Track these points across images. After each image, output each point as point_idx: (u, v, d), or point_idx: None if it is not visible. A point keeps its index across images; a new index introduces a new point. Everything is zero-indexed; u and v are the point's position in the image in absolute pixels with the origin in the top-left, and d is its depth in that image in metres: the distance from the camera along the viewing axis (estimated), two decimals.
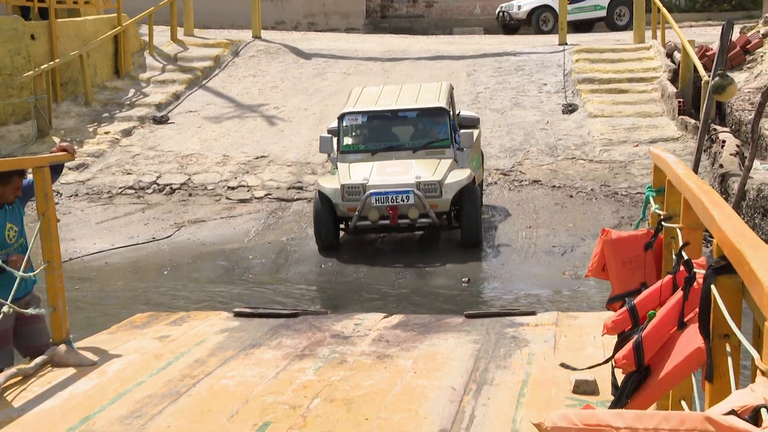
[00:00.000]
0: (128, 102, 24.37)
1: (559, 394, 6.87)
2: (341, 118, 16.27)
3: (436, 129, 16.30)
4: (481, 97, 23.30)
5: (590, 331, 8.40)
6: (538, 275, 14.31)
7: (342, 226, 15.70)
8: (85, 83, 23.91)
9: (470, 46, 28.32)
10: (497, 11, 35.14)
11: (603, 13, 33.30)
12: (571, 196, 18.41)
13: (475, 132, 17.08)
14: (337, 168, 15.97)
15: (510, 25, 33.93)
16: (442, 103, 16.35)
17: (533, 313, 9.46)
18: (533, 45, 27.63)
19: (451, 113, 16.62)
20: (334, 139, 16.02)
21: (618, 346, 4.39)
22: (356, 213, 14.67)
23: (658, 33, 26.23)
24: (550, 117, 22.11)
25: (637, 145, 19.99)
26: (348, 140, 16.39)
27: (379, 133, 16.57)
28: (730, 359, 3.71)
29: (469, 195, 14.89)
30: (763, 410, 2.46)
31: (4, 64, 22.18)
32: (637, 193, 17.08)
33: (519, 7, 33.20)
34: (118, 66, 25.91)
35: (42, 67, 22.57)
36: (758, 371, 2.79)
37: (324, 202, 14.98)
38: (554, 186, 18.95)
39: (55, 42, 23.74)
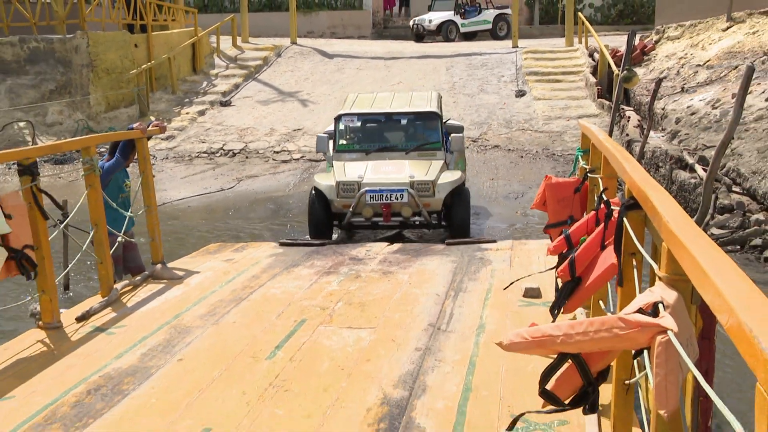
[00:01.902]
0: (202, 91, 24.39)
1: (513, 297, 6.92)
2: (338, 119, 12.90)
3: (428, 132, 12.76)
4: (456, 85, 23.34)
5: (535, 253, 8.50)
6: (498, 213, 14.39)
7: (336, 223, 12.29)
8: (172, 78, 23.95)
9: (448, 49, 28.24)
10: (411, 23, 34.11)
11: (489, 26, 32.99)
12: (522, 157, 18.52)
13: (459, 138, 13.46)
14: (332, 166, 12.66)
15: (421, 34, 33.01)
16: (435, 108, 12.99)
17: (494, 241, 9.74)
18: (493, 48, 27.58)
19: (442, 121, 13.08)
20: (330, 140, 12.82)
21: (558, 263, 4.39)
22: (350, 209, 11.44)
23: (583, 39, 26.27)
24: (507, 100, 22.12)
25: (568, 120, 20.05)
26: (343, 141, 12.87)
27: (374, 134, 13.08)
28: (635, 270, 3.71)
29: (460, 196, 11.73)
30: (660, 305, 2.46)
31: (116, 66, 22.21)
32: (569, 154, 17.24)
33: (430, 21, 32.57)
34: (195, 65, 25.94)
35: (142, 66, 22.83)
36: (656, 278, 2.79)
37: (319, 198, 11.78)
38: (509, 149, 19.03)
39: (151, 49, 23.73)
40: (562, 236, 4.54)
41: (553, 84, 22.97)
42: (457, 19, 31.74)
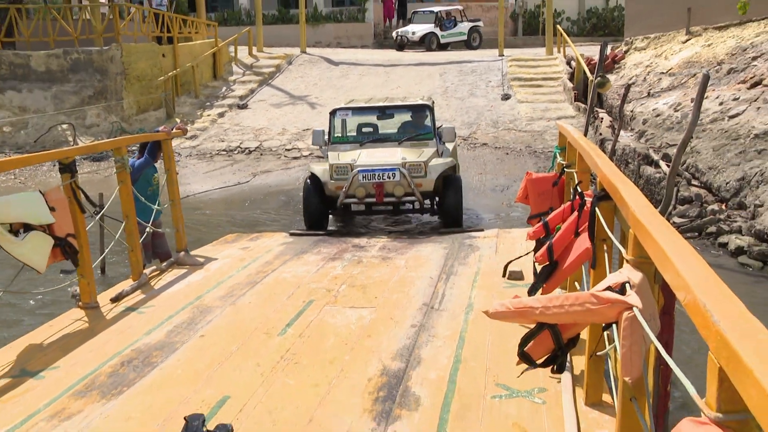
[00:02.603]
0: (221, 95, 24.24)
1: (498, 280, 6.93)
2: (333, 113, 11.87)
3: (420, 123, 11.68)
4: (448, 89, 23.17)
5: (518, 241, 8.49)
6: (486, 205, 14.30)
7: (331, 212, 11.38)
8: (195, 84, 23.79)
9: (441, 57, 28.14)
10: (394, 35, 33.39)
11: (465, 38, 32.53)
12: (507, 154, 18.39)
13: (451, 144, 12.29)
14: (327, 157, 11.59)
15: (403, 44, 32.28)
16: (428, 101, 12.01)
17: (482, 230, 9.74)
18: (482, 56, 27.43)
19: (434, 114, 11.83)
20: (326, 133, 11.65)
21: (536, 248, 4.40)
22: (343, 190, 10.37)
23: (561, 49, 26.08)
24: (494, 102, 21.97)
25: (548, 121, 19.92)
26: (338, 133, 11.91)
27: (368, 127, 12.17)
28: (606, 255, 3.72)
29: (452, 183, 10.68)
30: (627, 285, 2.47)
31: (146, 73, 22.14)
32: (549, 151, 17.09)
33: (413, 32, 31.90)
34: (215, 72, 25.79)
35: (169, 74, 22.68)
36: (624, 261, 2.80)
37: (314, 184, 10.73)
38: (496, 147, 18.90)
39: (177, 58, 23.59)
40: (540, 223, 4.55)
41: (534, 89, 22.80)
42: (437, 31, 31.52)
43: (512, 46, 31.04)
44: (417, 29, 31.27)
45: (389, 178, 10.20)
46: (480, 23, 33.37)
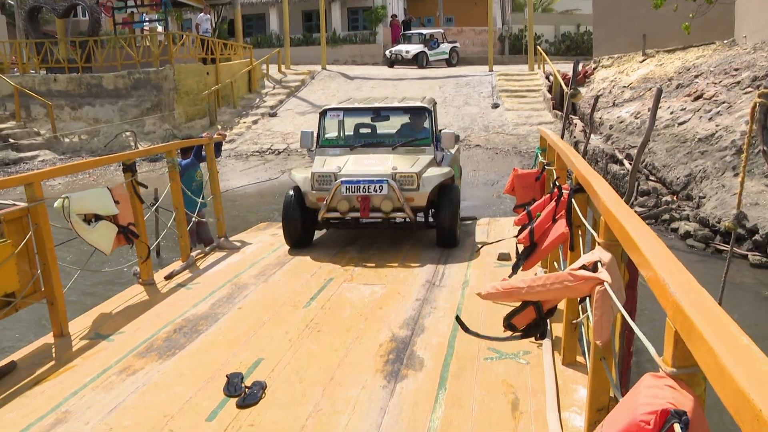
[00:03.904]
0: (255, 105, 24.19)
1: (490, 260, 6.91)
2: (323, 114, 8.94)
3: (416, 128, 8.79)
4: (447, 99, 23.05)
5: (506, 227, 8.43)
6: (479, 196, 14.27)
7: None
8: (233, 96, 23.76)
9: (441, 72, 28.03)
10: (387, 53, 31.86)
11: (447, 56, 31.71)
12: (497, 153, 18.34)
13: (453, 151, 9.46)
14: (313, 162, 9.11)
15: (393, 62, 30.99)
16: (426, 104, 8.92)
17: (476, 218, 9.52)
18: (475, 71, 27.32)
19: (434, 116, 8.97)
20: (314, 134, 8.78)
21: (520, 232, 4.38)
22: (325, 203, 7.60)
23: (541, 66, 25.88)
24: (485, 110, 21.87)
25: (531, 126, 19.84)
26: (327, 136, 8.98)
27: (359, 129, 9.19)
28: (581, 238, 3.70)
29: (448, 193, 7.90)
30: (598, 263, 2.46)
31: (193, 88, 22.16)
32: (532, 151, 17.01)
33: (407, 51, 30.75)
34: (250, 86, 25.75)
35: (212, 89, 22.64)
36: (596, 243, 2.79)
37: (297, 195, 7.98)
38: (487, 148, 18.85)
39: (218, 75, 23.53)
40: (524, 212, 4.53)
41: (519, 99, 22.70)
42: (427, 51, 31.09)
43: (500, 63, 30.90)
44: (410, 48, 30.74)
45: (376, 191, 7.43)
46: (457, 44, 33.00)
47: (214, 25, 27.59)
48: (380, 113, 9.03)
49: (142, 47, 22.87)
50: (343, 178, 7.47)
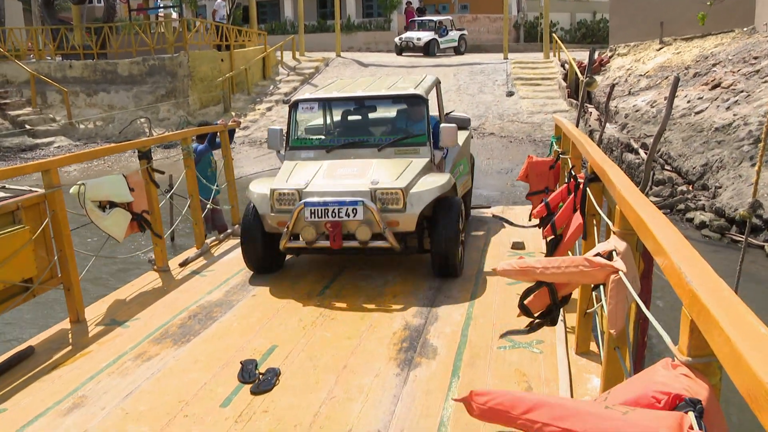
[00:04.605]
0: (269, 92, 24.17)
1: (503, 249, 6.87)
2: (293, 106, 7.02)
3: (409, 122, 6.95)
4: (461, 87, 22.91)
5: (520, 216, 8.35)
6: (492, 185, 14.21)
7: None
8: (247, 83, 23.80)
9: (455, 59, 27.85)
10: (397, 41, 30.88)
11: (455, 44, 31.14)
12: (511, 142, 18.24)
13: (464, 133, 8.19)
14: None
15: (409, 50, 30.12)
16: (420, 90, 6.88)
17: (489, 206, 9.42)
18: (489, 59, 27.16)
19: (435, 106, 7.64)
20: (284, 132, 6.96)
21: (542, 225, 4.36)
22: (286, 229, 5.85)
23: (556, 54, 25.70)
24: (500, 98, 21.74)
25: (546, 114, 19.72)
26: (299, 134, 7.04)
27: (338, 126, 7.36)
28: (595, 228, 3.69)
29: (447, 210, 6.01)
30: (613, 252, 2.46)
31: (207, 75, 22.18)
32: (546, 140, 16.93)
33: (419, 39, 29.91)
34: (264, 73, 25.73)
35: (226, 75, 22.67)
36: (611, 232, 2.78)
37: (256, 211, 6.22)
38: (502, 136, 18.75)
39: (233, 62, 23.54)
40: (542, 204, 4.50)
41: (534, 87, 22.56)
42: (438, 38, 30.65)
43: (515, 51, 30.73)
44: (422, 36, 30.13)
45: (349, 215, 5.61)
46: (465, 32, 32.58)
47: (228, 11, 27.58)
48: (364, 103, 7.13)
49: (157, 34, 22.95)
50: (308, 199, 5.67)
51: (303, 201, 5.66)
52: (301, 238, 5.74)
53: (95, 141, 20.28)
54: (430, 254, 5.90)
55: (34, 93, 21.68)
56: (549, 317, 2.82)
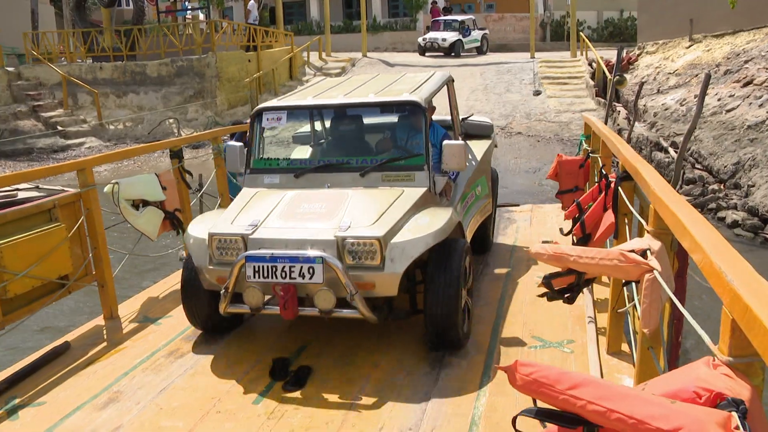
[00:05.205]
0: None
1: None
2: (257, 116, 5.19)
3: (402, 138, 5.15)
4: (488, 86, 22.84)
5: (549, 215, 8.32)
6: (520, 183, 14.12)
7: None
8: (274, 83, 23.89)
9: (481, 59, 27.80)
10: (421, 41, 30.34)
11: (478, 44, 30.82)
12: (539, 141, 18.15)
13: (483, 144, 6.53)
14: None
15: (433, 50, 29.64)
16: (417, 96, 4.90)
17: (518, 205, 9.34)
18: (516, 58, 27.06)
19: (452, 95, 5.90)
20: (244, 151, 5.12)
21: (573, 225, 4.34)
22: (224, 288, 4.15)
23: (583, 53, 25.55)
24: (527, 97, 21.65)
25: (573, 113, 19.61)
26: (262, 153, 5.23)
27: (312, 142, 6.01)
28: (627, 227, 3.67)
29: (446, 257, 4.17)
30: (647, 251, 2.44)
31: (235, 76, 22.35)
32: (575, 139, 16.84)
33: (444, 40, 29.36)
34: (291, 73, 25.88)
35: (253, 76, 22.81)
36: (645, 231, 2.77)
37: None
38: (529, 135, 18.67)
39: (260, 63, 23.71)
40: (574, 204, 4.48)
41: (561, 86, 22.44)
42: (462, 38, 30.33)
43: (541, 50, 30.55)
44: (446, 36, 29.76)
45: (304, 276, 4.00)
46: (487, 31, 32.27)
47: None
48: (346, 113, 5.46)
49: (185, 35, 23.19)
50: (251, 252, 4.06)
51: (245, 254, 4.05)
52: (245, 301, 4.14)
53: (125, 141, 20.54)
54: (424, 319, 4.23)
55: (65, 95, 22.01)
56: (568, 294, 2.81)
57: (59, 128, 20.57)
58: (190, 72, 21.72)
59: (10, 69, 22.45)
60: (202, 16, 29.89)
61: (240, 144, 5.14)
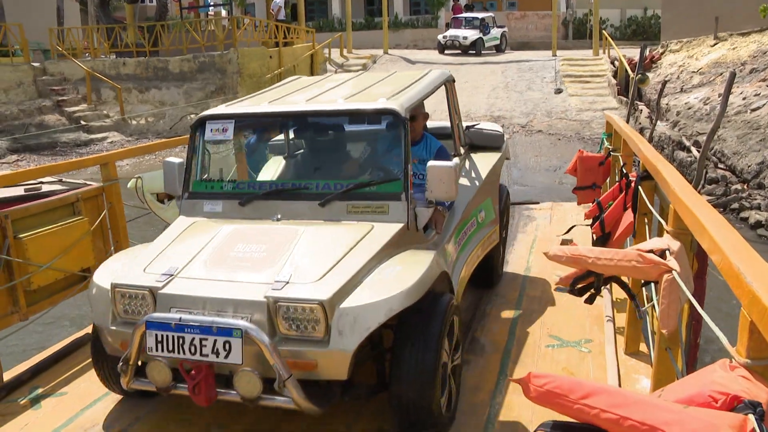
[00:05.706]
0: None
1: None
2: (198, 126, 4.12)
3: (376, 157, 3.94)
4: (509, 84, 22.76)
5: (569, 213, 8.28)
6: (541, 181, 14.05)
7: None
8: None
9: (502, 57, 27.72)
10: (441, 39, 29.85)
11: (498, 42, 30.51)
12: (559, 139, 18.06)
13: (491, 158, 5.11)
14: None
15: (454, 48, 29.21)
16: (395, 104, 3.61)
17: (538, 203, 9.29)
18: (537, 56, 26.93)
19: (453, 98, 4.76)
20: (182, 169, 3.96)
21: (593, 224, 4.33)
22: (122, 361, 3.01)
23: (606, 51, 25.33)
24: (548, 95, 21.56)
25: (595, 112, 19.47)
26: (204, 173, 4.05)
27: (265, 160, 4.84)
28: (647, 227, 3.65)
29: (423, 321, 2.98)
30: (666, 252, 2.43)
31: (256, 72, 22.40)
32: (596, 137, 16.61)
33: (465, 38, 28.97)
34: (312, 70, 25.86)
35: (274, 72, 22.86)
36: (664, 231, 2.75)
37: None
38: (550, 134, 18.58)
39: (281, 59, 23.76)
40: (594, 203, 4.46)
41: (583, 84, 22.31)
42: (483, 36, 30.08)
43: (563, 48, 30.37)
44: (467, 34, 29.44)
45: (219, 353, 2.84)
46: (506, 29, 31.96)
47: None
48: (307, 122, 4.32)
49: (207, 31, 23.29)
50: (152, 316, 2.99)
51: (145, 318, 2.98)
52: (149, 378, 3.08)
53: (147, 136, 20.71)
54: (389, 401, 3.12)
55: (89, 90, 22.23)
56: (586, 293, 2.80)
57: (83, 123, 20.80)
58: (212, 68, 21.85)
59: (36, 64, 22.73)
60: (224, 13, 30.05)
61: (180, 161, 4.08)
